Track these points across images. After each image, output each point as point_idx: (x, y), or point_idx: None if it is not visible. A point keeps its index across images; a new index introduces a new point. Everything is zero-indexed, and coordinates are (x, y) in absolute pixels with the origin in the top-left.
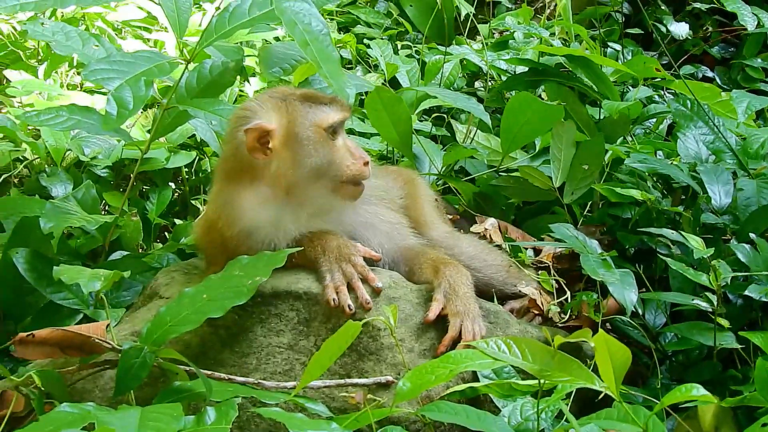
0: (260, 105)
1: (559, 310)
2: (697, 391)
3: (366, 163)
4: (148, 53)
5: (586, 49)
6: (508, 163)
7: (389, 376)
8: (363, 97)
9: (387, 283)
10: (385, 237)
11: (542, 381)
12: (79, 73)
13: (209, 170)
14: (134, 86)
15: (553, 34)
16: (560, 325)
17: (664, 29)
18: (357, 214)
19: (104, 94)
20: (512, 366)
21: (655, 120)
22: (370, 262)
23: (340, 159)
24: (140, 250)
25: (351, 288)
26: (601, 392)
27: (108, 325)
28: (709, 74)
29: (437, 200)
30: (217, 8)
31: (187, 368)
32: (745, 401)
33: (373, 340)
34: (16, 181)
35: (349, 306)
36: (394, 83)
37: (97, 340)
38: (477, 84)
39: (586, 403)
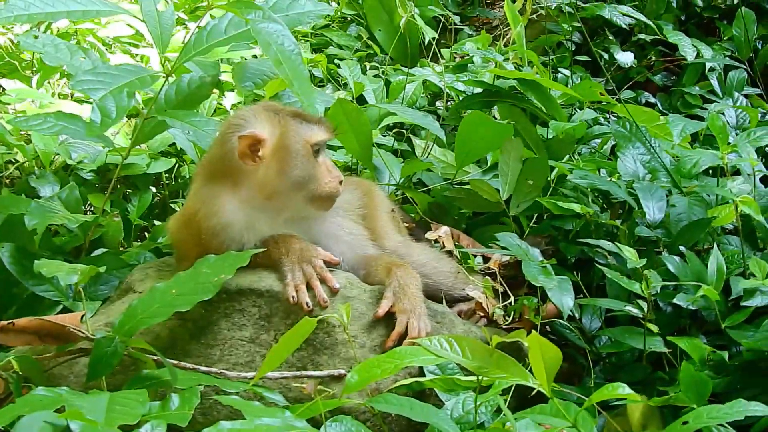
0: (254, 115)
1: (503, 313)
2: (623, 390)
3: (340, 182)
4: (131, 66)
5: (537, 73)
6: (462, 177)
7: (342, 370)
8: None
9: (343, 284)
10: (346, 246)
11: (481, 377)
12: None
13: (188, 176)
14: (117, 97)
15: (507, 59)
16: (504, 327)
17: (610, 57)
18: (323, 224)
19: (91, 103)
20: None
21: (600, 141)
22: (330, 265)
23: (320, 175)
24: (121, 249)
25: (310, 287)
26: (536, 390)
27: (83, 316)
28: (652, 100)
29: (393, 210)
30: (198, 27)
31: (155, 357)
32: (671, 401)
33: (328, 336)
34: (7, 181)
35: (307, 303)
36: (361, 101)
37: (72, 330)
38: (438, 104)
39: (524, 399)
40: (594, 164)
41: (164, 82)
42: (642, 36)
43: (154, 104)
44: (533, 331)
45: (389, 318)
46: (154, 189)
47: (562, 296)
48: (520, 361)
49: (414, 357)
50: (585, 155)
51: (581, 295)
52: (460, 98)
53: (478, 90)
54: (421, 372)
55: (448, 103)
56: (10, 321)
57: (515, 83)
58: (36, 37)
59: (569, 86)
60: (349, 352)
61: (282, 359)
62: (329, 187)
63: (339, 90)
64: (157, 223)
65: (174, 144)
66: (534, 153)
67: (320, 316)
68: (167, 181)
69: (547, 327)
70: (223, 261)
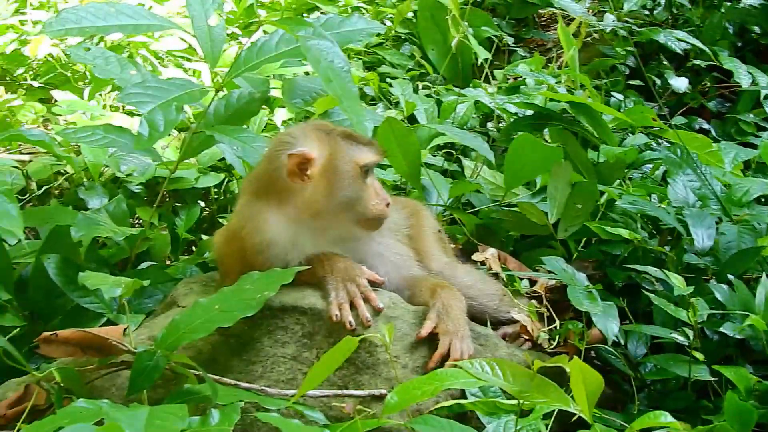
0: (304, 133)
1: (548, 337)
2: (665, 418)
3: (388, 205)
4: (180, 80)
5: (589, 97)
6: (510, 199)
7: (383, 390)
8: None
9: (387, 304)
10: (392, 266)
11: (522, 401)
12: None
13: (236, 191)
14: (166, 110)
15: (559, 82)
16: (548, 351)
17: (664, 83)
18: (369, 244)
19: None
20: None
21: (651, 167)
22: (374, 285)
23: (367, 197)
24: (167, 263)
25: (353, 306)
26: (578, 415)
27: (126, 329)
28: (706, 126)
29: (440, 231)
30: (251, 42)
31: (197, 373)
32: (715, 430)
33: (370, 356)
34: (56, 192)
35: (350, 322)
36: (412, 120)
37: (114, 342)
38: (489, 125)
39: (566, 425)
40: (644, 190)
41: (214, 97)
42: (697, 62)
43: (203, 119)
44: (575, 356)
45: (432, 339)
46: (202, 203)
47: (607, 322)
48: (563, 387)
49: (455, 379)
50: (636, 180)
51: (627, 321)
52: (511, 120)
53: (530, 112)
54: (462, 394)
55: (499, 125)
56: (53, 332)
57: (567, 106)
58: (87, 49)
59: (622, 111)
60: (391, 372)
61: (323, 377)
62: (376, 209)
63: (390, 109)
64: (204, 237)
65: (223, 159)
66: (584, 177)
67: (363, 335)
68: (216, 196)
69: (592, 352)
70: (267, 278)
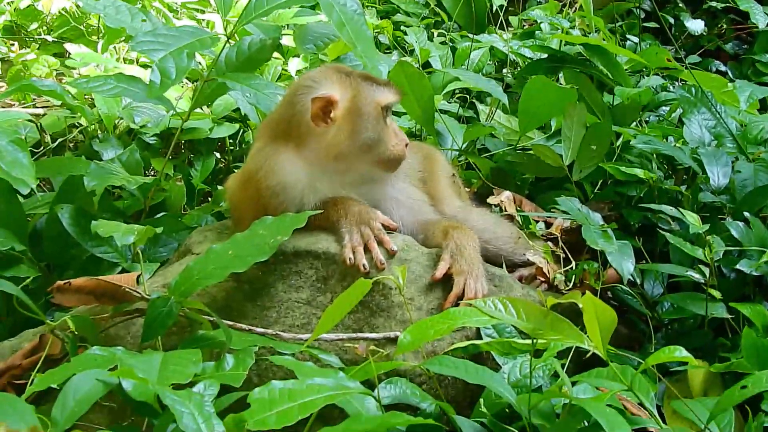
0: (326, 77)
1: (563, 278)
2: (681, 352)
3: (406, 145)
4: (191, 28)
5: (603, 39)
6: (525, 142)
7: (398, 332)
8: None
9: (401, 246)
10: (406, 210)
11: (536, 340)
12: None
13: (251, 141)
14: (177, 58)
15: (574, 26)
16: (564, 292)
17: (680, 25)
18: (384, 188)
19: None
20: (513, 326)
21: (668, 109)
22: (388, 229)
23: (387, 138)
24: (183, 213)
25: (367, 249)
26: (595, 355)
27: (139, 276)
28: (723, 68)
29: (454, 175)
30: None
31: (211, 318)
32: (732, 367)
33: (385, 298)
34: (71, 145)
35: (364, 265)
36: (427, 68)
37: (127, 289)
38: (504, 71)
39: (583, 364)
40: (660, 131)
41: (225, 44)
42: (713, 3)
43: (215, 66)
44: (588, 292)
45: (447, 281)
46: (218, 155)
47: (623, 260)
48: (578, 326)
49: (467, 318)
50: (652, 123)
51: (644, 262)
52: (526, 64)
53: (544, 56)
54: (478, 335)
55: (515, 71)
56: (67, 281)
57: (581, 49)
58: None
59: (636, 53)
60: (406, 314)
61: (337, 320)
62: (396, 149)
63: (405, 57)
64: (220, 188)
65: (238, 109)
66: (598, 118)
67: (376, 277)
68: (231, 147)
69: (608, 293)
70: (280, 222)
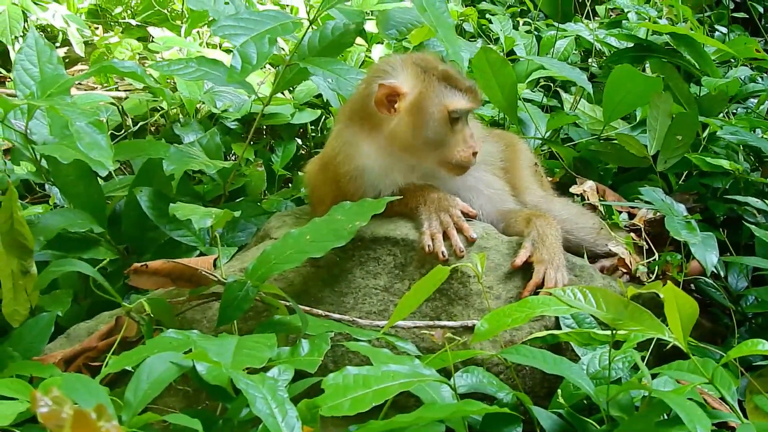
0: (402, 65)
1: (646, 270)
2: (763, 345)
3: (474, 153)
4: (273, 12)
5: (691, 28)
6: (609, 132)
7: (476, 321)
8: None
9: (480, 234)
10: (485, 200)
11: (615, 331)
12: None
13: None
14: (259, 43)
15: (661, 16)
16: (646, 284)
17: None
18: (464, 178)
19: None
20: (593, 318)
21: (756, 101)
22: (467, 217)
23: (453, 143)
24: (263, 199)
25: (446, 237)
26: (676, 348)
27: (216, 259)
28: None
29: (537, 164)
30: None
31: (287, 303)
32: None
33: (463, 286)
34: (152, 129)
35: (443, 252)
36: (511, 56)
37: (204, 273)
38: (590, 61)
39: (665, 356)
40: (747, 123)
41: (307, 29)
42: None
43: (296, 51)
44: (669, 282)
45: (526, 269)
46: (299, 141)
47: (706, 252)
48: (659, 318)
49: (546, 306)
50: (740, 115)
51: (728, 254)
52: (612, 53)
53: (631, 45)
54: (557, 325)
55: (601, 61)
56: (144, 263)
57: (668, 39)
58: None
59: (725, 44)
60: (484, 303)
61: (413, 307)
62: (460, 156)
63: (490, 45)
64: (300, 174)
65: (320, 95)
66: (684, 109)
67: (454, 265)
68: (313, 133)
69: (692, 285)
70: (359, 208)
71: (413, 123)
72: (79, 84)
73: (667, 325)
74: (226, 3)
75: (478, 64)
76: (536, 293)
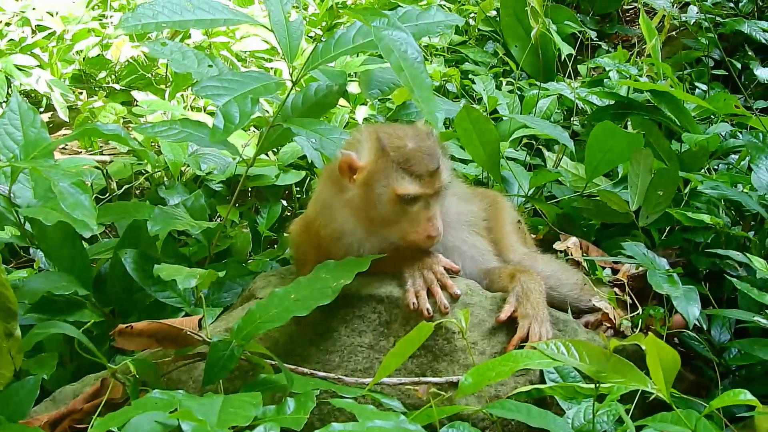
0: (368, 138)
1: (630, 324)
2: (745, 395)
3: (430, 237)
4: (256, 74)
5: (671, 86)
6: (591, 189)
7: (461, 376)
8: None
9: (464, 291)
10: (469, 259)
11: (598, 383)
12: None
13: None
14: (241, 102)
15: (642, 74)
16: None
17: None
18: (444, 239)
19: None
20: (577, 371)
21: (737, 157)
22: (450, 274)
23: (406, 224)
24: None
25: (430, 294)
26: (660, 400)
27: (201, 319)
28: None
29: (520, 222)
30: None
31: (273, 362)
32: None
33: (448, 343)
34: (137, 192)
35: (427, 309)
36: (495, 115)
37: (189, 333)
38: (572, 119)
39: (649, 408)
40: (728, 178)
41: (290, 90)
42: None
43: (281, 112)
44: (650, 334)
45: (510, 325)
46: (284, 202)
47: (688, 305)
48: (642, 370)
49: (529, 360)
50: (721, 171)
51: (711, 308)
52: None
53: (612, 102)
54: (542, 380)
55: (583, 118)
56: (129, 324)
57: (649, 96)
58: (164, 44)
59: (705, 100)
60: (469, 359)
61: (398, 364)
62: (413, 238)
63: (473, 104)
64: (285, 235)
65: (304, 157)
66: (666, 165)
67: (438, 321)
68: (298, 195)
69: (675, 339)
70: (343, 266)
71: (366, 197)
72: (63, 148)
73: (650, 377)
74: (210, 66)
75: (460, 123)
76: (521, 347)
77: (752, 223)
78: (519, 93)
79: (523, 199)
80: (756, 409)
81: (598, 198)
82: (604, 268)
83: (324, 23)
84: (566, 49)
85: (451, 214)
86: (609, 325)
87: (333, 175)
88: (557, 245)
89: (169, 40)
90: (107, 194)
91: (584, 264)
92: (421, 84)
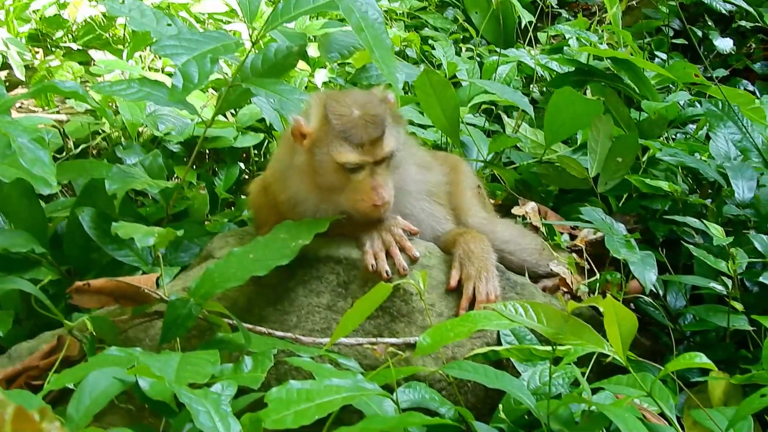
0: (318, 104)
1: (587, 289)
2: (700, 359)
3: (377, 206)
4: (215, 33)
5: (631, 53)
6: (550, 155)
7: (418, 337)
8: None
9: (423, 253)
10: (428, 228)
11: (555, 346)
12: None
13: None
14: (200, 62)
15: (602, 41)
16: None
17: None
18: (401, 207)
19: None
20: (533, 333)
21: (695, 126)
22: (409, 236)
23: (351, 192)
24: (206, 222)
25: (389, 255)
26: (616, 364)
27: (158, 277)
28: (750, 88)
29: (479, 187)
30: None
31: (231, 321)
32: (753, 379)
33: (405, 304)
34: (94, 152)
35: (386, 271)
36: (454, 80)
37: (147, 291)
38: (532, 86)
39: (604, 371)
40: (686, 146)
41: (250, 50)
42: (742, 23)
43: (239, 72)
44: (609, 296)
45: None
46: (242, 165)
47: (645, 270)
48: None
49: (487, 321)
50: (679, 140)
51: (668, 274)
52: (553, 78)
53: (572, 69)
54: (498, 342)
55: (543, 88)
56: (86, 282)
57: (609, 64)
58: (122, 2)
59: (665, 69)
60: (426, 320)
61: (356, 324)
62: (360, 207)
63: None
64: (243, 197)
65: (263, 119)
66: (625, 132)
67: (396, 282)
68: (256, 157)
69: (631, 305)
70: (301, 227)
71: (311, 164)
72: (20, 107)
73: (607, 340)
74: (169, 25)
75: (421, 87)
76: (472, 308)
77: (709, 191)
78: (479, 60)
79: (482, 164)
80: (710, 374)
81: (557, 164)
82: (562, 233)
83: None
84: (527, 16)
85: (409, 183)
86: (566, 289)
87: (289, 140)
88: (516, 210)
89: None
90: (64, 153)
91: (543, 229)
92: (381, 45)
